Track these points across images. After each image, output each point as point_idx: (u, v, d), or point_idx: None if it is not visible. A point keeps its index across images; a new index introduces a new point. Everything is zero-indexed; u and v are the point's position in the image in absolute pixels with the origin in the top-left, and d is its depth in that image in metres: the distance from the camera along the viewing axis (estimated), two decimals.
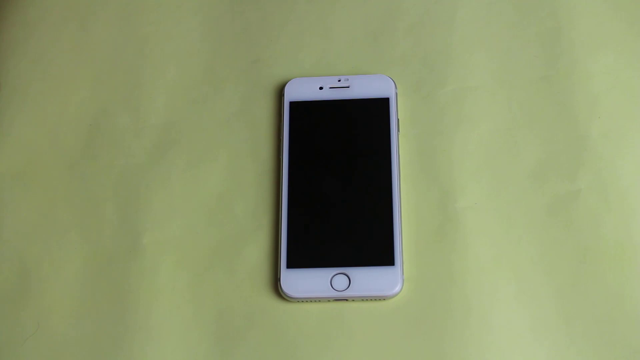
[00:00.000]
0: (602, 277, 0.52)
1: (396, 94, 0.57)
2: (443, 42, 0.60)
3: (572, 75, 0.58)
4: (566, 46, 0.59)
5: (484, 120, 0.57)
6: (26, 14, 0.64)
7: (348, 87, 0.58)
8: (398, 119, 0.57)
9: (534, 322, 0.51)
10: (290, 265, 0.53)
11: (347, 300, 0.53)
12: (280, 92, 0.59)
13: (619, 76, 0.58)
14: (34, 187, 0.58)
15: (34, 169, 0.59)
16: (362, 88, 0.58)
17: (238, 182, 0.57)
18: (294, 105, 0.58)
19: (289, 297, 0.53)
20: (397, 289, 0.52)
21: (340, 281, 0.52)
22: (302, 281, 0.53)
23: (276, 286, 0.54)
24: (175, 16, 0.63)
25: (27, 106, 0.61)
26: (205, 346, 0.53)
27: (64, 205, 0.57)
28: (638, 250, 0.52)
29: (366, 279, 0.52)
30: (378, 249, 0.53)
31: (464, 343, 0.51)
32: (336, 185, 0.55)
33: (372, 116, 0.56)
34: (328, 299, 0.53)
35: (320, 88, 0.58)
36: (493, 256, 0.53)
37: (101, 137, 0.59)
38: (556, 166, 0.55)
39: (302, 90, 0.58)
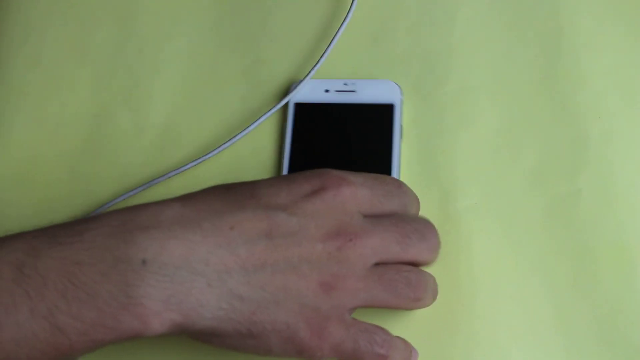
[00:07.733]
0: (603, 278, 0.52)
1: (401, 100, 0.57)
2: (443, 42, 0.60)
3: (572, 75, 0.58)
4: (566, 46, 0.59)
5: (484, 120, 0.57)
6: (26, 14, 0.64)
7: (354, 91, 0.57)
8: (402, 126, 0.57)
9: (534, 323, 0.51)
10: None
11: None
12: (284, 93, 0.59)
13: (619, 76, 0.58)
14: (34, 188, 0.58)
15: (34, 170, 0.58)
16: (368, 93, 0.57)
17: None
18: (298, 106, 0.57)
19: None
20: None
21: None
22: None
23: None
24: (175, 16, 0.63)
25: (27, 106, 0.61)
26: (204, 345, 0.52)
27: (64, 206, 0.57)
28: (639, 250, 0.52)
29: None
30: None
31: (463, 344, 0.51)
32: None
33: (376, 121, 0.56)
34: None
35: (326, 91, 0.58)
36: (493, 256, 0.53)
37: (101, 137, 0.59)
38: (556, 166, 0.55)
39: (308, 91, 0.58)
